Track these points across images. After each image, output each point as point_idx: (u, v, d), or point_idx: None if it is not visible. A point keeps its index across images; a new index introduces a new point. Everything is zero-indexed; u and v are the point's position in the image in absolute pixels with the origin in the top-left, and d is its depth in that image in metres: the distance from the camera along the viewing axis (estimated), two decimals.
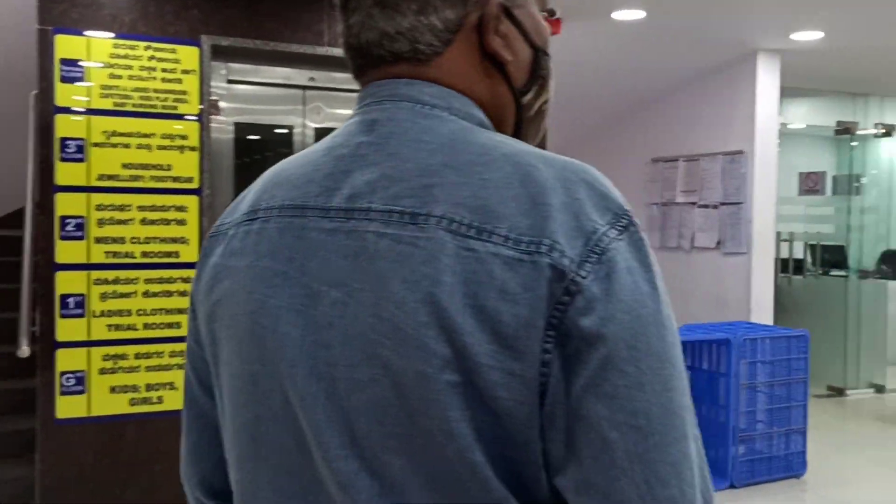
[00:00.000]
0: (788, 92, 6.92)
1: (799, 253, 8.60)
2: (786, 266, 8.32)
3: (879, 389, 7.83)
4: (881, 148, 8.95)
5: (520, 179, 0.69)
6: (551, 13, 0.90)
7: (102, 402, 3.48)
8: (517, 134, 0.85)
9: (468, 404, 0.66)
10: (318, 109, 3.98)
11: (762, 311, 6.08)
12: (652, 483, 0.65)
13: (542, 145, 0.84)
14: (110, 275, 3.47)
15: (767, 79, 6.14)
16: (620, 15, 5.07)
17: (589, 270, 0.66)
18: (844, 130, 7.91)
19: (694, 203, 6.44)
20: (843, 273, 8.33)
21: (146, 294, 3.53)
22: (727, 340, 4.63)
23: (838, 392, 7.79)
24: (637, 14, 5.06)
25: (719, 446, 4.71)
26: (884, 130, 8.08)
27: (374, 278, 0.70)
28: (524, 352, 0.65)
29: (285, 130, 4.04)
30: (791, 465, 4.91)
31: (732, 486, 4.70)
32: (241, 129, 3.94)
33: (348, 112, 0.89)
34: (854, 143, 8.15)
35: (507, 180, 0.69)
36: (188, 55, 3.61)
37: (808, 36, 5.68)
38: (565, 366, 0.66)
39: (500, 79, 0.82)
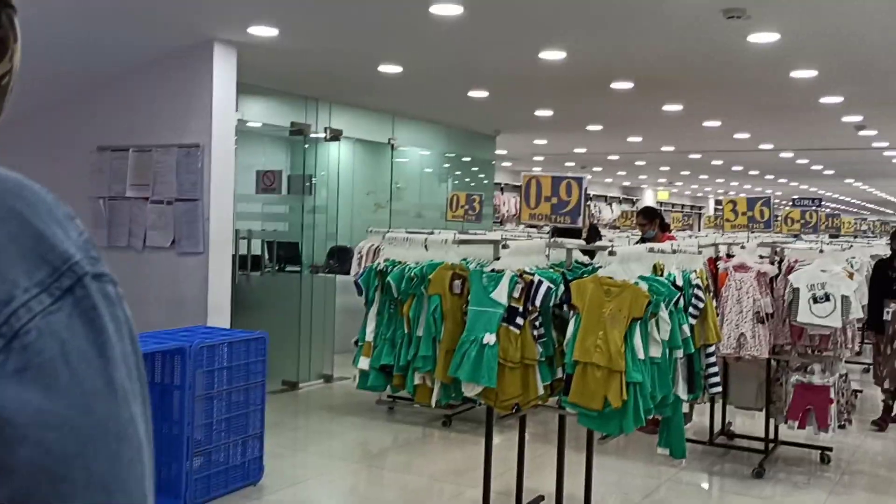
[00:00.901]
0: (247, 88, 6.84)
1: (257, 250, 8.69)
2: (244, 264, 8.32)
3: (328, 379, 8.30)
4: (330, 151, 9.55)
5: None
6: None
7: None
8: None
9: None
10: None
11: (220, 313, 5.86)
12: None
13: None
14: None
15: (224, 71, 5.92)
16: None
17: None
18: (298, 132, 8.18)
19: (146, 198, 5.92)
20: (297, 269, 8.64)
21: None
22: (182, 350, 4.25)
23: (292, 386, 8.04)
24: None
25: (174, 464, 4.31)
26: (332, 135, 8.61)
27: None
28: None
29: None
30: (248, 473, 4.76)
31: None
32: None
33: None
34: (307, 145, 8.49)
35: None
36: None
37: (263, 31, 5.61)
38: None
39: None
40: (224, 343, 4.52)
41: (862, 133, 10.25)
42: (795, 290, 5.67)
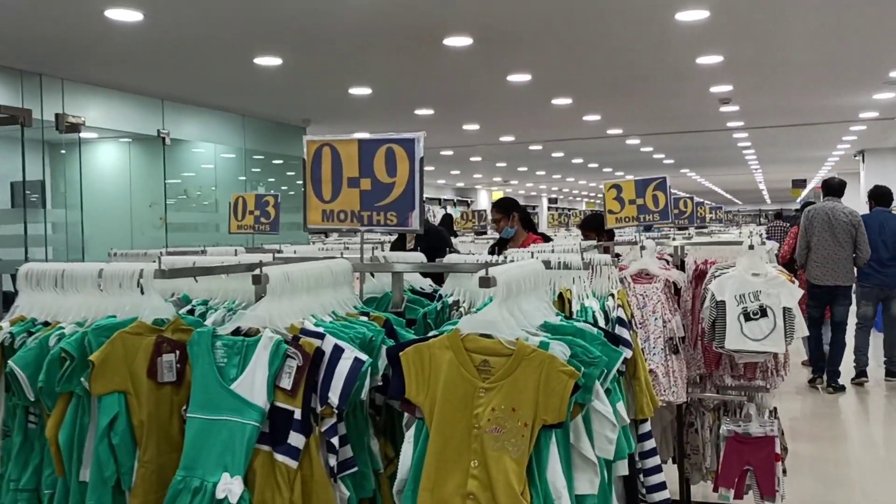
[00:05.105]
0: None
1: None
2: None
3: None
4: (91, 151, 7.13)
5: None
6: None
7: None
8: None
9: None
10: None
11: None
12: None
13: None
14: None
15: None
16: None
17: None
18: (10, 120, 5.73)
19: None
20: None
21: None
22: None
23: None
24: None
25: None
26: (68, 125, 6.21)
27: None
28: None
29: None
30: None
31: None
32: None
33: None
34: (34, 139, 6.06)
35: None
36: None
37: None
38: None
39: None
40: None
41: (723, 109, 9.05)
42: (720, 304, 4.00)
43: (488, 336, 1.65)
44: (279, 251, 4.98)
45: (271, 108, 8.58)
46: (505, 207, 5.97)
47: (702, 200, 9.14)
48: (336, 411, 1.73)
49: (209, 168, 9.26)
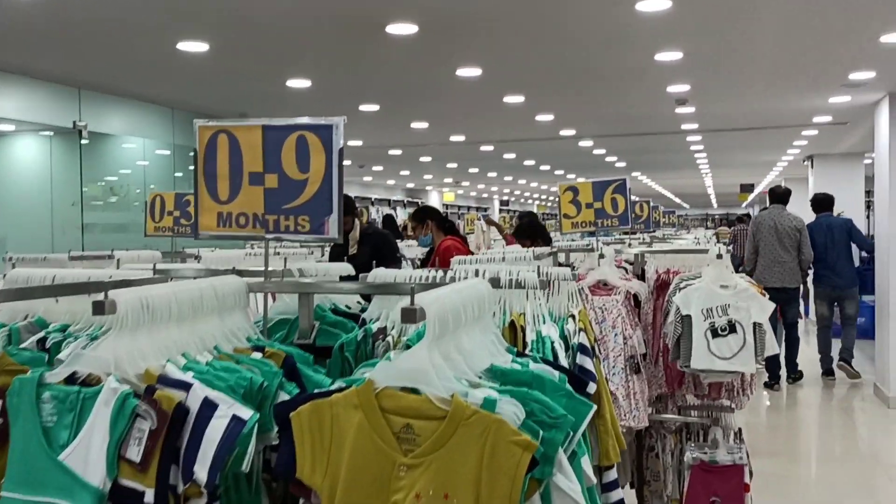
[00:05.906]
0: None
1: None
2: None
3: None
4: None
5: None
6: None
7: None
8: None
9: None
10: None
11: None
12: None
13: None
14: None
15: None
16: None
17: None
18: None
19: None
20: None
21: None
22: None
23: None
24: None
25: None
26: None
27: None
28: None
29: None
30: None
31: None
32: None
33: None
34: None
35: None
36: None
37: None
38: None
39: None
40: None
41: (679, 110, 8.74)
42: (685, 319, 3.63)
43: (413, 390, 1.19)
44: (198, 256, 4.48)
45: (202, 100, 8.00)
46: (419, 216, 6.04)
47: (656, 205, 8.91)
48: (206, 493, 1.27)
49: (140, 165, 8.64)
